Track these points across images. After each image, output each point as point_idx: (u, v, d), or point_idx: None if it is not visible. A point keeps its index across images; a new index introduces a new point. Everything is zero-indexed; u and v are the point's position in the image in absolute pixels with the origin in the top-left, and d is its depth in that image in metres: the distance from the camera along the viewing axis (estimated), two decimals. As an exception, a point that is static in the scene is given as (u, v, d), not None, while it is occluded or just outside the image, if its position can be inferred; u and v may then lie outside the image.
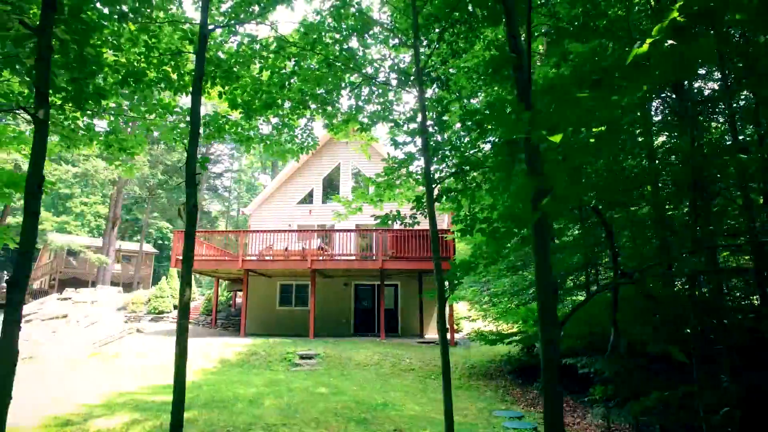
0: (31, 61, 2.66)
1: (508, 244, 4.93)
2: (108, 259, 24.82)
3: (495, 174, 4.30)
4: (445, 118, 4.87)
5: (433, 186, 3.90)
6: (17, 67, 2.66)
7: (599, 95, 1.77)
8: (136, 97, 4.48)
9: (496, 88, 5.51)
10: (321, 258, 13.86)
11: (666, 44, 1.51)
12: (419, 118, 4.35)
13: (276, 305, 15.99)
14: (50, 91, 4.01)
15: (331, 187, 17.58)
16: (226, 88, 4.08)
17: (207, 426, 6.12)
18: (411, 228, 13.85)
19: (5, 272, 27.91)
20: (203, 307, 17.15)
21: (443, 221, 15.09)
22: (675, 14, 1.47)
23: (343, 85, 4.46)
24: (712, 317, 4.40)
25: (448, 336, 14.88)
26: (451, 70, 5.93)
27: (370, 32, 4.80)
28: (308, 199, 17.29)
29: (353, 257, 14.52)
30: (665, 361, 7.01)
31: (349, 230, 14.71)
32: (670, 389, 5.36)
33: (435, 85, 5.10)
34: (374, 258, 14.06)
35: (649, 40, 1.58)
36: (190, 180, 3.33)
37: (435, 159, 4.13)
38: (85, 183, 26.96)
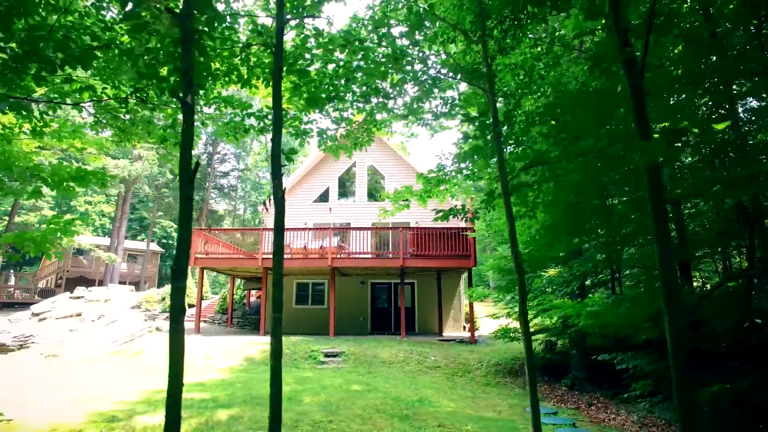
0: (141, 49, 2.63)
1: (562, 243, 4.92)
2: (118, 258, 24.70)
3: (559, 169, 4.29)
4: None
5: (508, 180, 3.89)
6: (125, 59, 2.64)
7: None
8: (201, 91, 4.46)
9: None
10: (340, 256, 13.82)
11: None
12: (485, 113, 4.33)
13: (292, 304, 15.96)
14: (140, 84, 3.98)
15: (345, 186, 17.55)
16: (303, 81, 4.04)
17: (253, 423, 6.10)
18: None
19: (11, 271, 27.73)
20: (218, 305, 17.09)
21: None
22: None
23: (407, 78, 4.45)
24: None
25: (468, 334, 14.88)
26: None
27: (427, 27, 4.78)
28: (324, 197, 17.25)
29: (370, 255, 14.53)
30: (699, 357, 7.02)
31: (365, 228, 14.66)
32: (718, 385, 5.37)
33: (480, 82, 5.08)
34: (396, 256, 14.04)
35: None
36: (276, 172, 3.31)
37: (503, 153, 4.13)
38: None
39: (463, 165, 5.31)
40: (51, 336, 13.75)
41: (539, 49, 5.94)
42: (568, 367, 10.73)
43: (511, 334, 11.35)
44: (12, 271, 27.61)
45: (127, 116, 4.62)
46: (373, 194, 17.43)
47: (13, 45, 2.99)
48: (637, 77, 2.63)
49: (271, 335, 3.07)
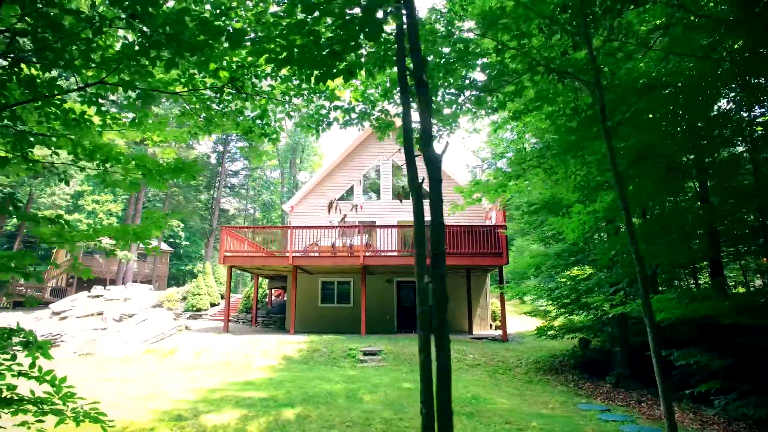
0: (297, 34, 2.58)
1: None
2: (133, 256, 24.52)
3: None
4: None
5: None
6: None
7: None
8: (295, 80, 4.37)
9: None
10: (368, 254, 13.72)
11: None
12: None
13: (318, 302, 15.86)
14: (237, 73, 3.88)
15: (370, 183, 17.45)
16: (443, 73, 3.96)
17: (323, 421, 6.01)
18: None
19: (23, 270, 27.47)
20: (242, 304, 16.98)
21: (491, 217, 15.03)
22: None
23: (506, 71, 4.37)
24: None
25: (497, 332, 14.82)
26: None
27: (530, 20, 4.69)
28: (348, 195, 17.16)
29: (395, 253, 14.47)
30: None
31: (395, 226, 14.51)
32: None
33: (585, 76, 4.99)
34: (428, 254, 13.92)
35: None
36: (410, 160, 3.21)
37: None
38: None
39: (542, 160, 5.23)
40: (78, 335, 13.60)
41: (611, 44, 5.88)
42: (608, 364, 10.67)
43: (549, 333, 11.27)
44: (23, 270, 27.36)
45: (219, 106, 4.54)
46: (398, 192, 17.32)
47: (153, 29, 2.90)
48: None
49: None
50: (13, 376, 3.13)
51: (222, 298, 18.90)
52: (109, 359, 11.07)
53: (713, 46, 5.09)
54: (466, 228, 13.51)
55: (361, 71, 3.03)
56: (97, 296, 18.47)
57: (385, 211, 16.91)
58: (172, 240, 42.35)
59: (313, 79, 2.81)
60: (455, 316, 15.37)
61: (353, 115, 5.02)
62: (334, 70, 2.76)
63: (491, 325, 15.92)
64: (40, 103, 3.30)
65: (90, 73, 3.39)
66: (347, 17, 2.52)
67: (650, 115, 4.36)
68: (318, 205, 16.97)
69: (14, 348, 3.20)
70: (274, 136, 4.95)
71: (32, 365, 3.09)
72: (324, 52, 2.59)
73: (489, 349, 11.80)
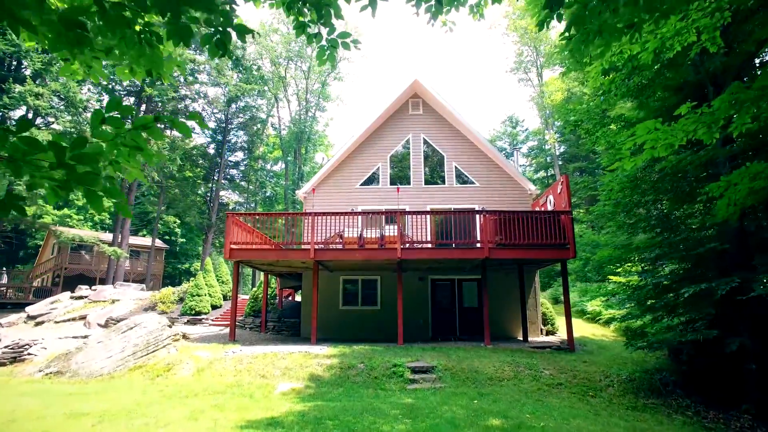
0: None
1: None
2: (124, 253, 22.04)
3: None
4: None
5: None
6: None
7: None
8: None
9: None
10: (405, 246, 11.38)
11: None
12: None
13: (339, 304, 13.51)
14: None
15: (398, 166, 15.06)
16: None
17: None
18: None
19: (4, 269, 24.93)
20: (248, 307, 14.59)
21: (545, 203, 12.70)
22: None
23: None
24: None
25: (552, 339, 12.52)
26: None
27: None
28: (373, 179, 14.78)
29: (430, 245, 12.19)
30: None
31: (424, 212, 12.10)
32: None
33: None
34: (467, 245, 11.67)
35: None
36: None
37: None
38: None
39: None
40: (52, 344, 11.19)
41: None
42: (727, 383, 8.38)
43: (640, 343, 8.94)
44: (4, 268, 24.83)
45: None
46: (431, 175, 14.96)
47: None
48: None
49: None
50: None
51: (225, 299, 16.51)
52: (86, 380, 8.67)
53: None
54: (521, 215, 11.18)
55: None
56: (81, 297, 16.02)
57: (415, 197, 14.57)
58: (167, 237, 39.79)
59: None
60: (507, 320, 13.08)
61: None
62: None
63: (542, 330, 13.61)
64: None
65: None
66: None
67: None
68: (337, 191, 14.60)
69: None
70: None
71: None
72: None
73: (563, 362, 9.49)
